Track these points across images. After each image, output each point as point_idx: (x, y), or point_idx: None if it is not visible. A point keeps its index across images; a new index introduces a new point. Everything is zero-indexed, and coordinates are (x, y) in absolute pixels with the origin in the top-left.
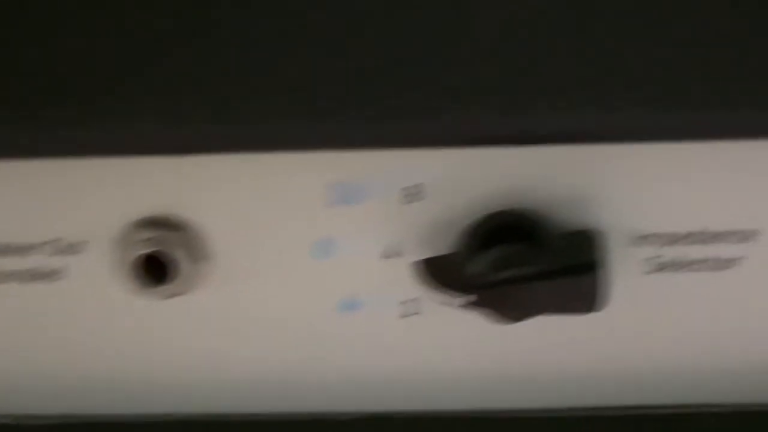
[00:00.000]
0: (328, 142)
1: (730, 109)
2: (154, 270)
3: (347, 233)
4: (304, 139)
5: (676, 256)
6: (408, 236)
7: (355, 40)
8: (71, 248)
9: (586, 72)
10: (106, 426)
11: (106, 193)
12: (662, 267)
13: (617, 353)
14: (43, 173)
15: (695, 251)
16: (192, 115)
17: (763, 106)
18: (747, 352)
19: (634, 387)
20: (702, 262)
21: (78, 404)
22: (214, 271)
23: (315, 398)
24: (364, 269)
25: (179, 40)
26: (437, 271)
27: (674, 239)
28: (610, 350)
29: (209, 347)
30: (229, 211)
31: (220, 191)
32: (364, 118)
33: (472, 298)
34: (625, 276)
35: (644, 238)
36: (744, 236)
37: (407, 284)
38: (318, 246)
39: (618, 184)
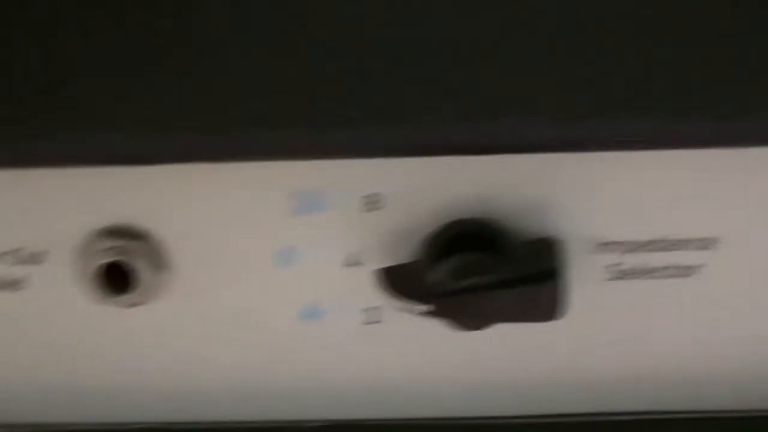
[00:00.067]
0: (288, 152)
1: (689, 118)
2: (116, 279)
3: (309, 242)
4: (265, 149)
5: (636, 264)
6: (370, 245)
7: (316, 50)
8: (33, 258)
9: (544, 82)
10: None
11: (67, 202)
12: (623, 274)
13: (578, 361)
14: (3, 183)
15: (656, 259)
16: (153, 126)
17: (721, 116)
18: (707, 360)
19: (595, 394)
20: (662, 270)
21: (39, 413)
22: (177, 280)
23: (278, 406)
24: (326, 277)
25: (140, 52)
26: (398, 279)
27: (635, 247)
28: (571, 358)
29: (172, 356)
30: (190, 221)
31: (182, 201)
32: (324, 127)
33: (432, 306)
34: (585, 283)
35: (605, 246)
36: (704, 244)
37: (370, 292)
38: (280, 255)
39: (578, 192)
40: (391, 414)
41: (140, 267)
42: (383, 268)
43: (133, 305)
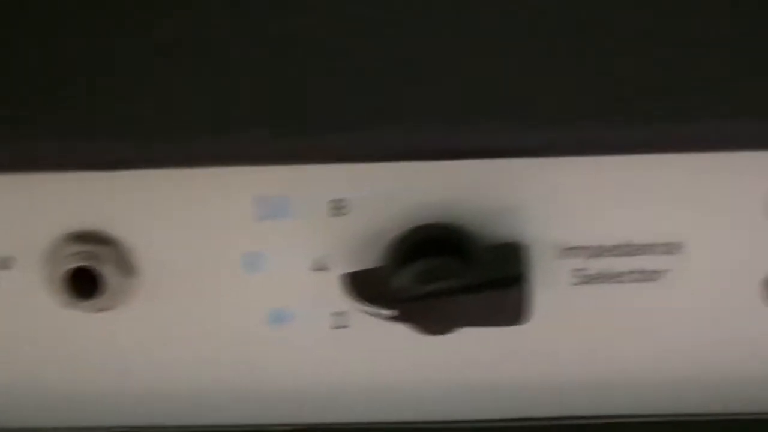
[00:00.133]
0: (254, 158)
1: (651, 123)
2: (84, 284)
3: (276, 247)
4: (231, 155)
5: (601, 269)
6: (336, 249)
7: (277, 60)
8: (1, 263)
9: (506, 89)
10: None
11: (35, 207)
12: (588, 279)
13: (543, 365)
14: None
15: (621, 264)
16: (121, 131)
17: (682, 120)
18: (672, 364)
19: (560, 398)
20: (628, 275)
21: (5, 417)
22: (144, 285)
23: (248, 410)
24: (294, 282)
25: (106, 56)
26: (363, 284)
27: (600, 252)
28: (536, 362)
29: (140, 361)
30: (158, 226)
31: (149, 206)
32: (289, 133)
33: (397, 311)
34: (551, 288)
35: (570, 251)
36: (669, 249)
37: (338, 296)
38: (247, 259)
39: (543, 197)
40: (360, 418)
41: (107, 272)
42: (348, 273)
43: (101, 310)
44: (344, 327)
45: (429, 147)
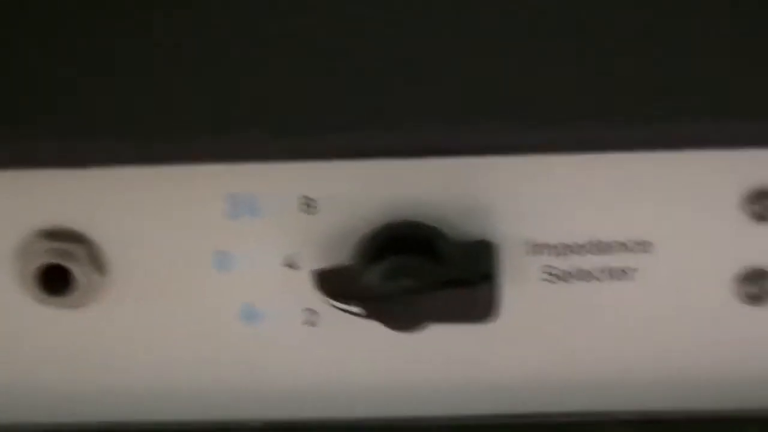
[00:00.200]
0: (224, 155)
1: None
2: (55, 281)
3: (246, 244)
4: (202, 153)
5: (571, 266)
6: (306, 247)
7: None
8: None
9: (477, 87)
10: None
11: (5, 204)
12: (557, 277)
13: (512, 362)
14: None
15: (591, 261)
16: (92, 129)
17: (656, 120)
18: (642, 362)
19: (529, 395)
20: (598, 272)
21: None
22: (116, 283)
23: (220, 406)
24: (265, 279)
25: (82, 55)
26: (333, 281)
27: (570, 249)
28: (506, 359)
29: (112, 358)
30: (129, 223)
31: (120, 203)
32: (258, 131)
33: (366, 308)
34: (519, 285)
35: (540, 248)
36: (639, 247)
37: (310, 293)
38: (218, 257)
39: (513, 195)
40: (332, 414)
41: (78, 269)
42: (318, 270)
43: (73, 307)
44: (315, 324)
45: (398, 145)
